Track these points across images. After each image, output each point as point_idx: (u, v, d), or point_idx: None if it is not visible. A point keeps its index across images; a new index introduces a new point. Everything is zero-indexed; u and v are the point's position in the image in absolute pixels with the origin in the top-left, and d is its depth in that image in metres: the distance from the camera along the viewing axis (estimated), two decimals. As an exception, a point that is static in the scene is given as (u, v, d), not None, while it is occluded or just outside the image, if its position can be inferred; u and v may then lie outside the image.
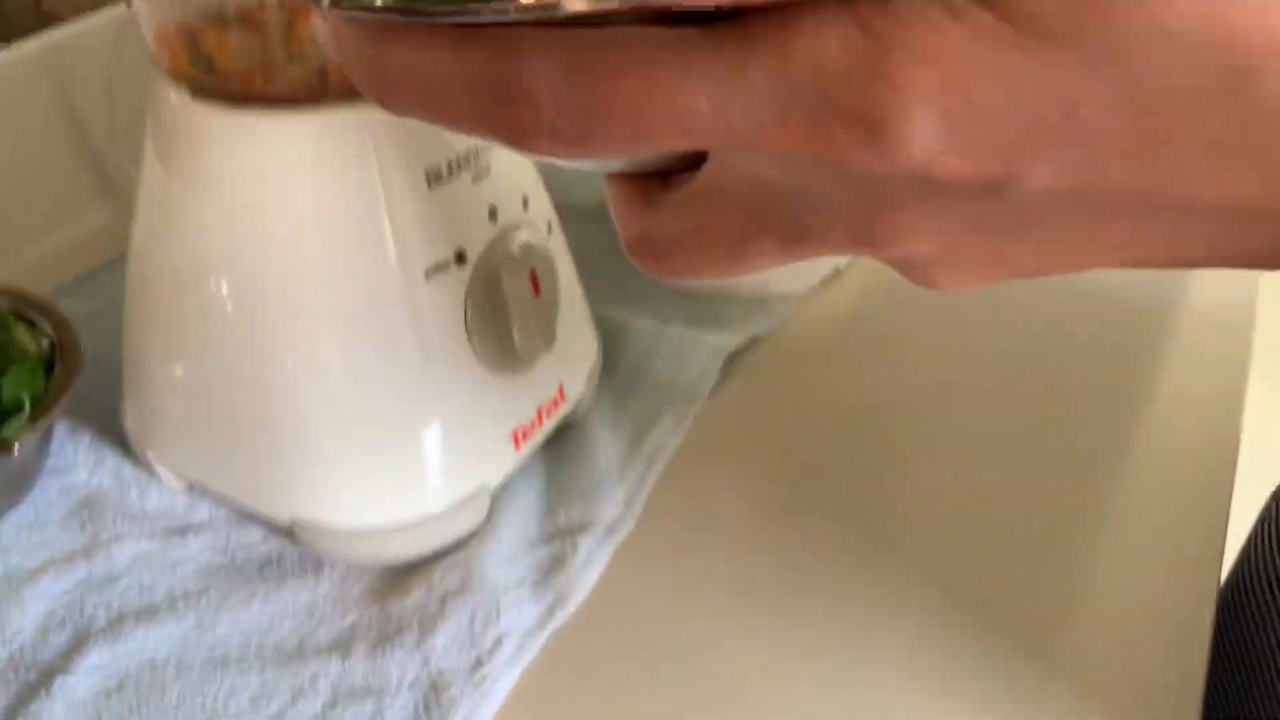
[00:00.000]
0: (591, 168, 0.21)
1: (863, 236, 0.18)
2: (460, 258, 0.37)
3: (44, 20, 0.57)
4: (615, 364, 0.48)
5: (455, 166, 0.37)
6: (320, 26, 0.19)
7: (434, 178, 0.36)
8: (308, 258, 0.35)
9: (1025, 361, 0.50)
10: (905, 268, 0.20)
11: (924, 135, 0.15)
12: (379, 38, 0.18)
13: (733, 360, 0.50)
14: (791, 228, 0.19)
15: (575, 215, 0.45)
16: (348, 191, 0.35)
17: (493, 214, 0.38)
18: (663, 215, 0.21)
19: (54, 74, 0.53)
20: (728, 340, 0.50)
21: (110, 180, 0.57)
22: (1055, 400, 0.48)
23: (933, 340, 0.51)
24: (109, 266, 0.53)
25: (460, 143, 0.37)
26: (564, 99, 0.17)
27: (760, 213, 0.19)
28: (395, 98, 0.18)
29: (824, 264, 0.54)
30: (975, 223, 0.17)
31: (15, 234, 0.54)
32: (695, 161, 0.20)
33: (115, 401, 0.43)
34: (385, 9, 0.17)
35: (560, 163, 0.19)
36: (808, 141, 0.16)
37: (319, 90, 0.34)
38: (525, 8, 0.15)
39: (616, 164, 0.21)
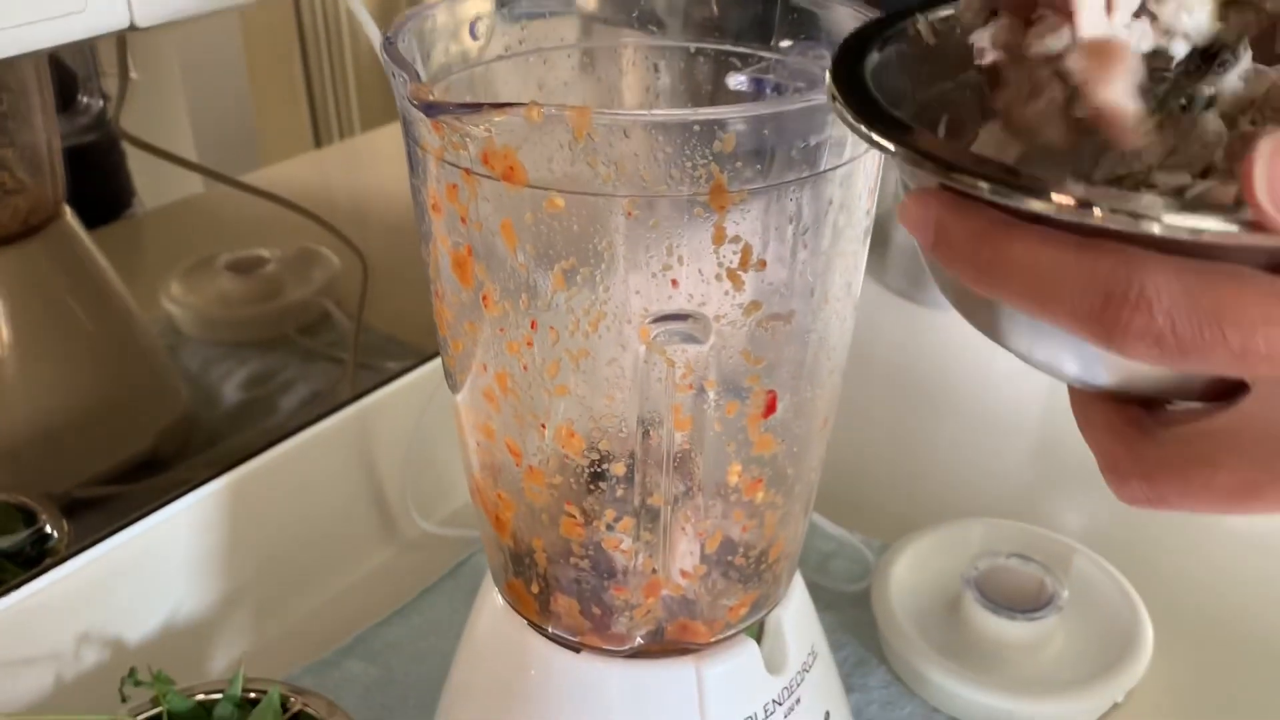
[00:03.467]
0: (1104, 383, 0.23)
1: None
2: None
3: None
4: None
5: None
6: (916, 214, 0.21)
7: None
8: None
9: None
10: None
11: None
12: (998, 232, 0.20)
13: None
14: None
15: None
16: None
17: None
18: (1168, 446, 0.22)
19: (361, 435, 0.57)
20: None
21: (393, 524, 0.60)
22: None
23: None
24: (385, 624, 0.55)
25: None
26: (1178, 311, 0.19)
27: None
28: (1005, 288, 0.21)
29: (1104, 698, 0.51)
30: None
31: (302, 575, 0.57)
32: (1208, 394, 0.21)
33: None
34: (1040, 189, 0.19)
35: (1085, 377, 0.22)
36: None
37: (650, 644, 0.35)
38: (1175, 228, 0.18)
39: (1109, 381, 0.22)
